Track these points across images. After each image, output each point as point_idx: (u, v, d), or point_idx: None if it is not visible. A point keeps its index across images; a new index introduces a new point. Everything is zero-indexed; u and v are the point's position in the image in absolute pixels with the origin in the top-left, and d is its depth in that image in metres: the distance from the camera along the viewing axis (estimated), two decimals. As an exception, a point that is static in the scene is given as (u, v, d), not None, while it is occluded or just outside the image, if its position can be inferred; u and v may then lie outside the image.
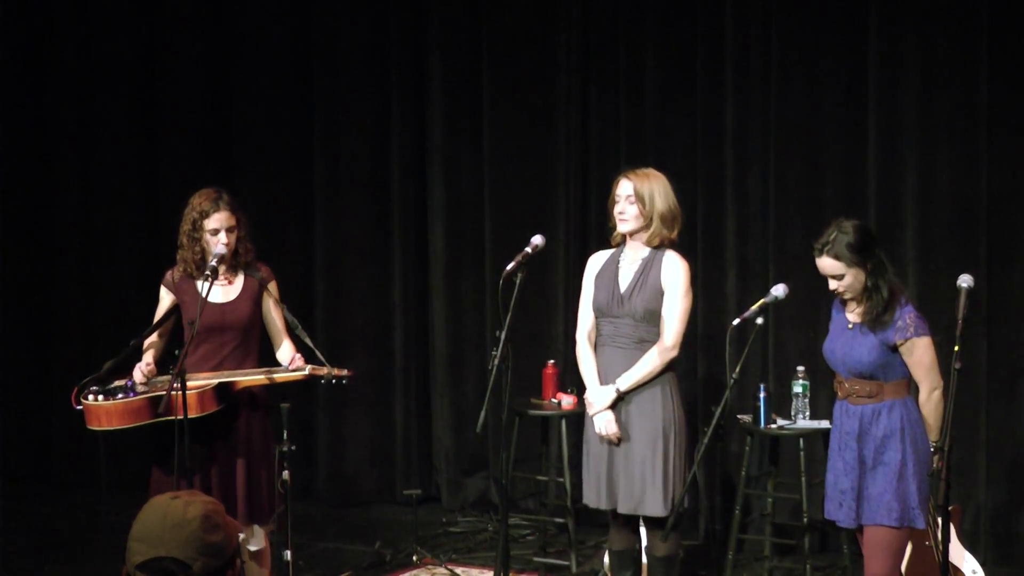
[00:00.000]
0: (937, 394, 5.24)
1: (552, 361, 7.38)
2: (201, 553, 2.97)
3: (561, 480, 7.16)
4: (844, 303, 5.35)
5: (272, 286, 5.97)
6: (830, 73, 7.32)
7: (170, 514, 3.00)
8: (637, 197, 5.87)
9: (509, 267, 5.61)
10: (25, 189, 8.95)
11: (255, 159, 8.53)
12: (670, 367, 5.90)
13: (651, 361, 5.84)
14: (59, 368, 8.85)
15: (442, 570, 7.15)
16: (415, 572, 7.16)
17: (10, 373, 8.99)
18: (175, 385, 5.48)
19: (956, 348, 4.84)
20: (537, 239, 5.77)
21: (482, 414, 5.61)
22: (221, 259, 5.78)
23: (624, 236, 5.95)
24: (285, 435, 5.73)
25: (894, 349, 5.22)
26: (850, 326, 5.31)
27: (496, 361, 5.49)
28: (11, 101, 8.88)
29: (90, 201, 8.87)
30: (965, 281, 5.04)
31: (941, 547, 4.85)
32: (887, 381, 5.26)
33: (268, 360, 6.00)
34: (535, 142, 8.05)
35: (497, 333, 5.55)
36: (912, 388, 5.33)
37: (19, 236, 8.98)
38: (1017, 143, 7.06)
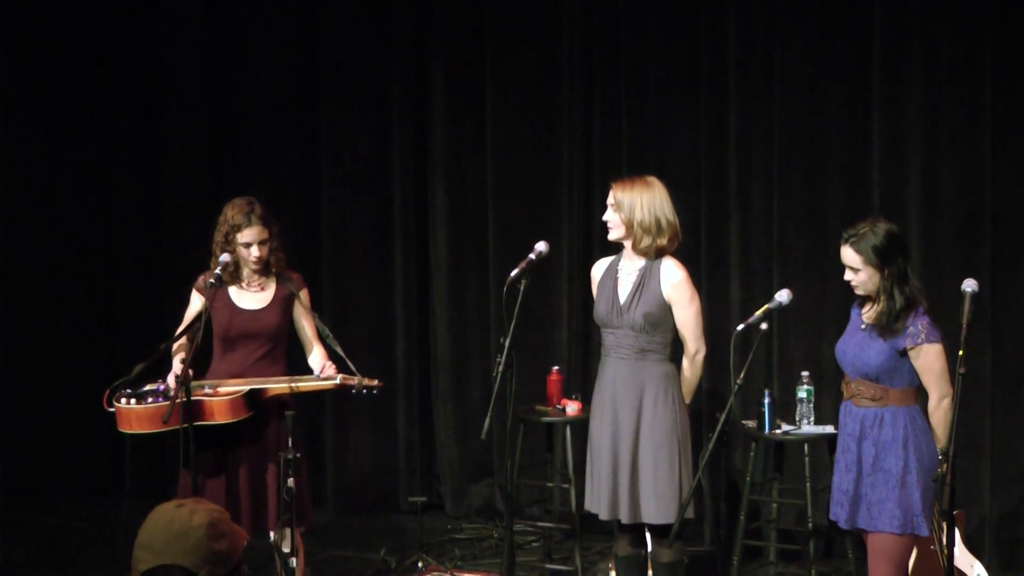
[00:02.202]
0: (946, 403, 5.22)
1: (556, 368, 7.37)
2: (206, 561, 2.98)
3: (566, 487, 7.15)
4: (861, 304, 5.36)
5: (303, 294, 6.09)
6: (833, 79, 7.32)
7: (175, 522, 3.00)
8: (616, 205, 5.87)
9: (513, 273, 5.64)
10: (32, 193, 8.96)
11: (259, 166, 8.52)
12: (678, 367, 5.96)
13: (688, 377, 5.97)
14: (71, 375, 8.88)
15: (447, 577, 7.16)
16: (420, 579, 7.17)
17: (18, 380, 8.99)
18: (181, 394, 5.56)
19: (960, 353, 4.84)
20: (541, 246, 5.79)
21: (487, 421, 5.61)
22: (226, 267, 5.92)
23: (622, 244, 5.96)
24: (290, 442, 5.75)
25: (903, 354, 5.22)
26: (863, 327, 5.32)
27: (500, 368, 5.50)
28: (17, 102, 8.91)
29: (96, 202, 8.86)
30: (969, 286, 5.03)
31: (946, 552, 4.84)
32: (893, 387, 5.25)
33: (297, 367, 6.10)
34: (538, 148, 8.05)
35: (501, 340, 5.57)
36: (920, 398, 5.32)
37: (25, 241, 8.99)
38: (1022, 148, 7.06)
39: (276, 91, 8.51)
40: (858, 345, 5.31)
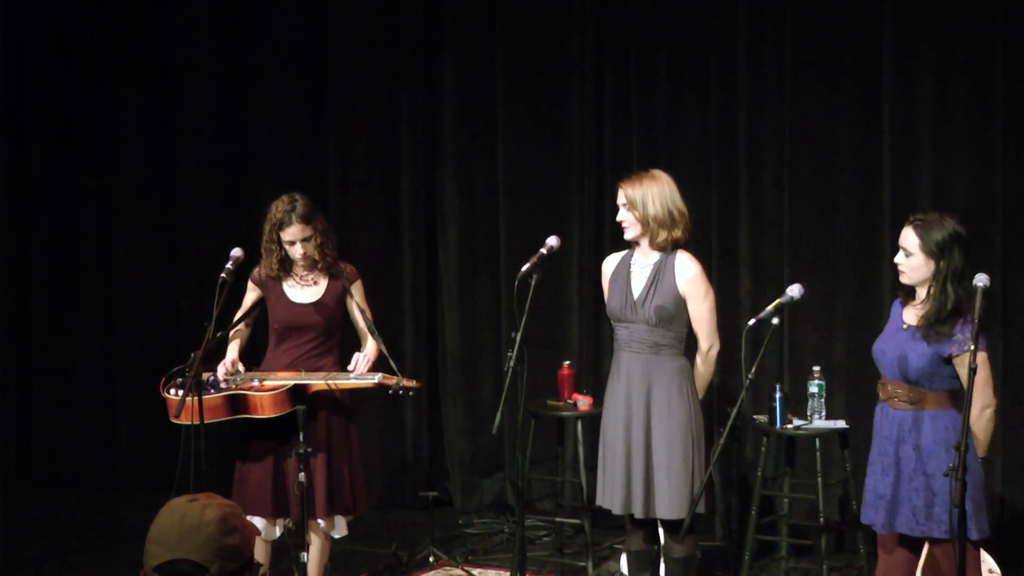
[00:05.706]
0: (989, 412, 5.13)
1: (567, 362, 7.38)
2: (218, 556, 2.99)
3: (577, 481, 7.16)
4: (904, 302, 5.26)
5: (356, 287, 6.24)
6: (844, 75, 7.31)
7: (187, 517, 3.01)
8: (629, 203, 5.88)
9: (524, 268, 5.65)
10: (44, 191, 8.98)
11: (268, 164, 8.52)
12: (691, 362, 5.97)
13: (701, 373, 5.98)
14: (82, 369, 8.90)
15: (459, 571, 7.15)
16: (432, 574, 7.17)
17: (27, 375, 9.02)
18: (198, 390, 5.74)
19: (972, 348, 4.82)
20: (552, 240, 5.81)
21: (498, 415, 5.63)
22: (237, 261, 6.01)
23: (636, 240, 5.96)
24: (302, 437, 5.77)
25: (948, 361, 5.10)
26: (904, 327, 5.21)
27: (512, 362, 5.51)
28: (28, 95, 8.94)
29: (107, 199, 8.86)
30: (981, 281, 5.00)
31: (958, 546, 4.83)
32: (931, 391, 5.14)
33: (348, 359, 6.21)
34: (548, 143, 8.04)
35: (512, 335, 5.58)
36: (956, 402, 5.19)
37: (35, 237, 9.01)
38: (1033, 144, 7.05)
39: (285, 88, 8.51)
40: (899, 346, 5.19)
